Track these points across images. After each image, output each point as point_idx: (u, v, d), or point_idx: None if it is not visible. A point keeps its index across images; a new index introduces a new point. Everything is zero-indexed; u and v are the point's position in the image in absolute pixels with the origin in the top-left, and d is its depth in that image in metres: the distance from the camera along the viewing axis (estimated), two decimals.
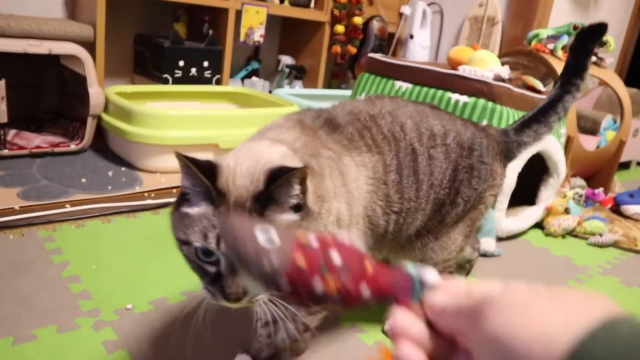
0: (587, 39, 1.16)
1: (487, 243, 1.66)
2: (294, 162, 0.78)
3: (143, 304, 1.18)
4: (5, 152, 1.97)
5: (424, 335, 0.38)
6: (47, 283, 1.23)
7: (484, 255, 1.66)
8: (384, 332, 1.19)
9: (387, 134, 0.98)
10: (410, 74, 1.88)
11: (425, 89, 1.81)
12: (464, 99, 1.71)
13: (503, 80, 1.76)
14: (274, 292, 0.62)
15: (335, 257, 0.43)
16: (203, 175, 0.69)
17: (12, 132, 2.13)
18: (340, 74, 3.44)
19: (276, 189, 0.69)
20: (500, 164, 1.13)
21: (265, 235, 0.43)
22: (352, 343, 1.15)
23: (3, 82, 1.89)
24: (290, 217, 0.72)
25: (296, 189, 0.71)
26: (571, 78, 1.17)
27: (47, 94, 2.46)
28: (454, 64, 1.97)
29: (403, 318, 0.39)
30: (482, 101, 1.68)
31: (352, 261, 0.43)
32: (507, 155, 1.16)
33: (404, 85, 1.87)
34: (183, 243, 0.71)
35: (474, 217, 1.12)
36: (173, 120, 2.04)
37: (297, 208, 0.73)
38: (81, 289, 1.22)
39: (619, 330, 0.25)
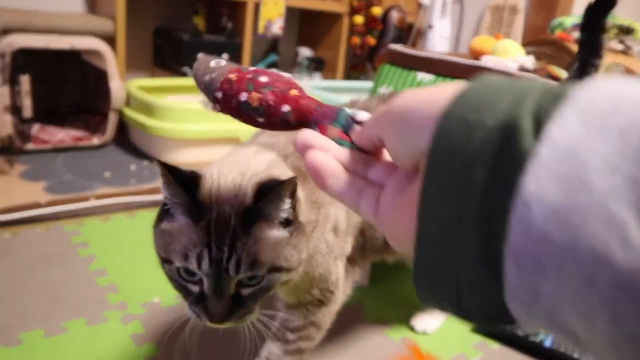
0: (597, 13, 1.10)
1: None
2: (282, 171, 0.72)
3: (169, 297, 1.19)
4: (30, 146, 2.00)
5: (335, 148, 0.41)
6: (75, 277, 1.25)
7: None
8: (411, 327, 1.19)
9: None
10: (431, 65, 1.85)
11: (447, 80, 1.78)
12: None
13: (528, 70, 1.73)
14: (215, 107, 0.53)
15: (263, 78, 0.50)
16: (182, 187, 0.62)
17: (36, 127, 2.16)
18: (359, 65, 3.42)
19: (265, 204, 0.63)
20: None
21: (216, 61, 0.53)
22: (378, 339, 1.15)
23: (27, 77, 1.91)
24: (279, 233, 0.65)
25: (286, 202, 0.65)
26: (589, 58, 1.12)
27: (70, 89, 2.48)
28: (476, 54, 1.94)
29: (310, 133, 0.42)
30: None
31: (278, 84, 0.50)
32: None
33: (425, 77, 1.85)
34: (164, 261, 0.65)
35: None
36: (194, 114, 2.05)
37: (287, 222, 0.67)
38: (108, 283, 1.23)
39: (492, 79, 0.29)
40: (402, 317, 1.22)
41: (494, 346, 1.16)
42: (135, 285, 1.23)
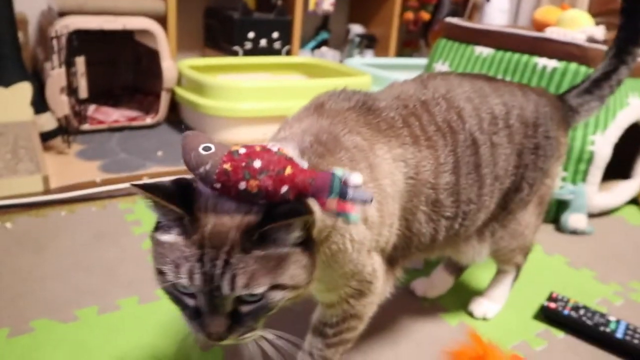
0: None
1: (578, 220, 1.54)
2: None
3: None
4: (87, 126, 2.04)
5: None
6: (128, 254, 1.25)
7: (574, 232, 1.55)
8: (469, 312, 1.13)
9: (442, 125, 0.82)
10: (491, 38, 1.75)
11: (508, 54, 1.68)
12: (552, 64, 1.57)
13: (597, 42, 1.61)
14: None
15: (257, 163, 0.55)
16: (174, 202, 0.56)
17: (92, 108, 2.20)
18: (412, 42, 3.31)
19: (273, 229, 0.57)
20: (563, 131, 1.00)
21: (204, 146, 0.56)
22: (434, 324, 1.10)
23: (83, 58, 1.94)
24: (286, 251, 0.59)
25: (297, 233, 0.59)
26: (627, 46, 1.01)
27: (123, 69, 2.51)
28: (540, 26, 1.82)
29: None
30: (573, 66, 1.54)
31: (272, 166, 0.55)
32: (567, 121, 1.02)
33: (484, 51, 1.75)
34: (158, 272, 0.59)
35: (543, 193, 1.01)
36: (244, 92, 2.03)
37: (298, 243, 0.60)
38: None
39: None
40: (460, 301, 1.17)
41: (559, 335, 1.09)
42: None
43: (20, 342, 0.96)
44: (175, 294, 0.60)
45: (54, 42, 1.80)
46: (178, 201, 0.57)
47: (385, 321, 1.06)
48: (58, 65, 1.81)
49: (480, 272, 1.28)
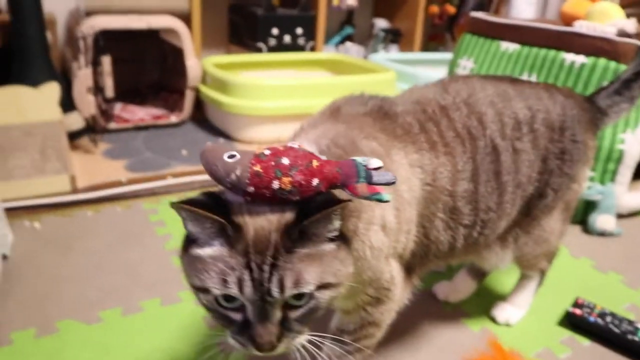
0: None
1: (606, 221, 1.50)
2: None
3: None
4: (113, 125, 2.07)
5: None
6: (152, 255, 1.27)
7: (602, 234, 1.51)
8: (491, 318, 1.11)
9: (461, 131, 0.81)
10: (517, 33, 1.71)
11: (534, 49, 1.64)
12: (581, 59, 1.53)
13: (628, 35, 1.55)
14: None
15: (285, 160, 0.56)
16: (214, 213, 0.56)
17: (118, 106, 2.23)
18: (437, 36, 3.26)
19: (312, 223, 0.57)
20: (591, 134, 0.97)
21: (229, 154, 0.57)
22: (455, 330, 1.08)
23: (109, 57, 1.96)
24: (326, 247, 0.60)
25: (336, 223, 0.60)
26: None
27: (149, 67, 2.54)
28: (568, 19, 1.77)
29: None
30: (603, 61, 1.49)
31: (300, 160, 0.56)
32: (595, 124, 0.99)
33: (510, 47, 1.71)
34: (199, 290, 0.59)
35: (569, 199, 0.97)
36: (268, 91, 2.03)
37: (335, 237, 0.61)
38: None
39: None
40: (482, 306, 1.15)
41: (585, 342, 1.07)
42: None
43: (46, 343, 0.98)
44: (219, 310, 0.59)
45: (80, 42, 1.83)
46: (221, 211, 0.57)
47: (406, 326, 1.06)
48: (84, 65, 1.84)
49: (504, 276, 1.26)
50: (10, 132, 1.76)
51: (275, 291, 0.56)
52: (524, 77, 1.65)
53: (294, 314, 0.59)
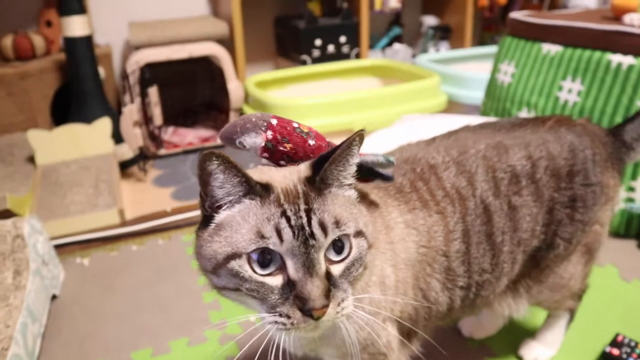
0: None
1: None
2: None
3: None
4: (163, 151, 2.17)
5: None
6: (184, 291, 1.33)
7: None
8: (519, 357, 1.06)
9: (450, 191, 0.77)
10: (559, 34, 1.60)
11: (577, 51, 1.52)
12: (628, 60, 1.40)
13: None
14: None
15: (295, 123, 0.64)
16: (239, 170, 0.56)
17: (170, 130, 2.33)
18: (492, 25, 3.11)
19: (333, 164, 0.58)
20: (612, 172, 0.88)
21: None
22: None
23: (155, 88, 2.06)
24: (349, 193, 0.62)
25: (355, 160, 0.60)
26: None
27: (200, 87, 2.63)
28: (619, 12, 1.63)
29: None
30: None
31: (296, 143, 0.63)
32: (619, 158, 0.90)
33: (552, 49, 1.60)
34: (228, 259, 0.55)
35: (590, 241, 0.90)
36: (307, 109, 2.04)
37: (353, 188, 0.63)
38: (212, 299, 1.29)
39: None
40: (510, 344, 1.10)
41: None
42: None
43: None
44: (254, 278, 0.55)
45: (126, 79, 1.93)
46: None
47: None
48: (130, 101, 1.94)
49: (534, 311, 1.19)
50: (70, 167, 1.90)
51: (318, 233, 0.55)
52: (568, 82, 1.54)
53: (337, 269, 0.58)
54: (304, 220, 0.55)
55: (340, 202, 0.59)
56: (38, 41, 2.11)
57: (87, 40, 1.93)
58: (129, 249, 1.53)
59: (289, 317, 0.55)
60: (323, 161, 0.59)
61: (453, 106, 2.27)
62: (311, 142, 0.64)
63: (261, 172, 0.61)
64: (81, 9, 1.90)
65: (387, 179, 0.70)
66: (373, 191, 0.75)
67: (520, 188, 0.80)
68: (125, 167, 1.98)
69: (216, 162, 0.55)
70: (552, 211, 0.83)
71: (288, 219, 0.55)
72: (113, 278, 1.40)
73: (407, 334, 0.79)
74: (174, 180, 1.97)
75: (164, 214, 1.72)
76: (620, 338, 1.05)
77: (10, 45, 2.07)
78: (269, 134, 0.63)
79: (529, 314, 1.18)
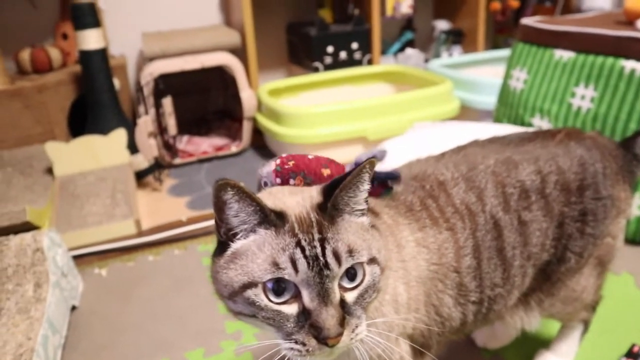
0: None
1: None
2: None
3: None
4: (178, 160, 2.20)
5: None
6: (200, 302, 1.35)
7: None
8: None
9: (460, 207, 0.78)
10: (571, 40, 1.59)
11: (590, 57, 1.52)
12: None
13: None
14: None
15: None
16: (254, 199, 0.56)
17: (184, 139, 2.36)
18: (504, 28, 3.10)
19: (343, 191, 0.59)
20: (623, 185, 0.87)
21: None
22: None
23: (169, 99, 2.08)
24: (361, 220, 0.62)
25: (365, 186, 0.60)
26: None
27: (214, 96, 2.66)
28: (632, 16, 1.62)
29: None
30: None
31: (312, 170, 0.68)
32: (631, 171, 0.89)
33: (564, 55, 1.60)
34: (244, 288, 0.56)
35: (602, 253, 0.89)
36: (319, 117, 2.05)
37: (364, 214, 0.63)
38: None
39: None
40: (524, 354, 1.10)
41: None
42: None
43: None
44: (270, 307, 0.56)
45: (141, 91, 1.96)
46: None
47: None
48: (145, 112, 1.97)
49: (548, 321, 1.19)
50: (87, 177, 1.93)
51: (332, 263, 0.56)
52: (580, 88, 1.53)
53: (350, 296, 0.59)
54: (318, 250, 0.56)
55: (353, 230, 0.60)
56: (55, 54, 2.15)
57: (102, 53, 1.96)
58: (146, 259, 1.56)
59: (304, 344, 0.56)
60: (334, 187, 0.59)
61: (466, 112, 2.27)
62: (310, 156, 0.69)
63: (275, 198, 0.62)
64: (95, 23, 1.93)
65: (393, 178, 0.73)
66: (384, 210, 0.76)
67: (530, 203, 0.80)
68: (140, 177, 2.01)
69: (231, 192, 0.56)
70: (562, 225, 0.83)
71: (302, 249, 0.56)
72: (130, 288, 1.42)
73: (420, 349, 0.79)
74: (189, 190, 1.99)
75: (180, 224, 1.74)
76: (636, 349, 1.04)
77: (28, 59, 2.11)
78: (278, 160, 0.69)
79: (543, 324, 1.18)
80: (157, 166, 2.02)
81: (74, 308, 1.35)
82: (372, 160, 0.59)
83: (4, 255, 1.30)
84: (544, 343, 1.09)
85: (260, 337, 1.21)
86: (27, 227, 1.54)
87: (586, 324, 1.03)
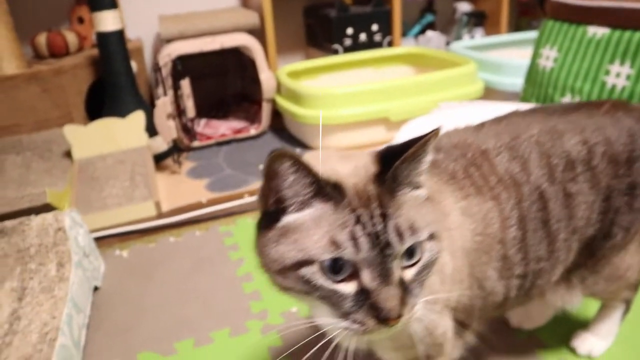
0: None
1: None
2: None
3: (306, 307, 1.20)
4: (197, 143, 2.17)
5: None
6: (224, 282, 1.32)
7: None
8: (571, 349, 1.02)
9: (504, 176, 0.74)
10: (606, 16, 1.53)
11: (627, 33, 1.46)
12: None
13: None
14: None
15: None
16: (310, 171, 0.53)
17: (202, 122, 2.34)
18: (528, 10, 3.03)
19: (405, 162, 0.55)
20: None
21: None
22: None
23: (187, 81, 2.05)
24: (419, 193, 0.58)
25: (428, 158, 0.57)
26: None
27: (232, 79, 2.63)
28: None
29: None
30: None
31: None
32: None
33: (598, 31, 1.54)
34: (298, 265, 0.53)
35: None
36: (340, 98, 2.01)
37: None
38: (253, 289, 1.28)
39: None
40: (561, 335, 1.06)
41: None
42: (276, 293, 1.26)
43: None
44: (325, 286, 0.53)
45: (159, 72, 1.93)
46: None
47: (473, 355, 1.00)
48: (163, 94, 1.94)
49: (585, 301, 1.15)
50: (106, 160, 1.92)
51: (395, 240, 0.53)
52: (615, 66, 1.48)
53: (409, 274, 0.56)
54: (380, 227, 0.52)
55: (413, 204, 0.56)
56: (71, 38, 2.13)
57: (119, 35, 1.94)
58: (167, 241, 1.54)
59: (362, 324, 0.54)
60: (390, 156, 0.56)
61: (490, 93, 2.21)
62: None
63: (325, 164, 0.57)
64: (112, 4, 1.90)
65: None
66: (428, 178, 0.72)
67: (576, 175, 0.76)
68: (159, 159, 1.99)
69: (287, 162, 0.52)
70: (609, 199, 0.78)
71: (363, 226, 0.52)
72: (152, 269, 1.40)
73: (461, 324, 0.76)
74: (208, 172, 1.97)
75: (200, 205, 1.71)
76: None
77: (45, 43, 2.09)
78: None
79: (582, 304, 1.14)
80: (176, 149, 1.99)
81: (96, 289, 1.33)
82: (437, 131, 0.55)
83: (25, 235, 1.29)
84: (582, 324, 1.05)
85: (287, 316, 1.19)
86: (47, 209, 1.53)
87: (628, 304, 0.99)
